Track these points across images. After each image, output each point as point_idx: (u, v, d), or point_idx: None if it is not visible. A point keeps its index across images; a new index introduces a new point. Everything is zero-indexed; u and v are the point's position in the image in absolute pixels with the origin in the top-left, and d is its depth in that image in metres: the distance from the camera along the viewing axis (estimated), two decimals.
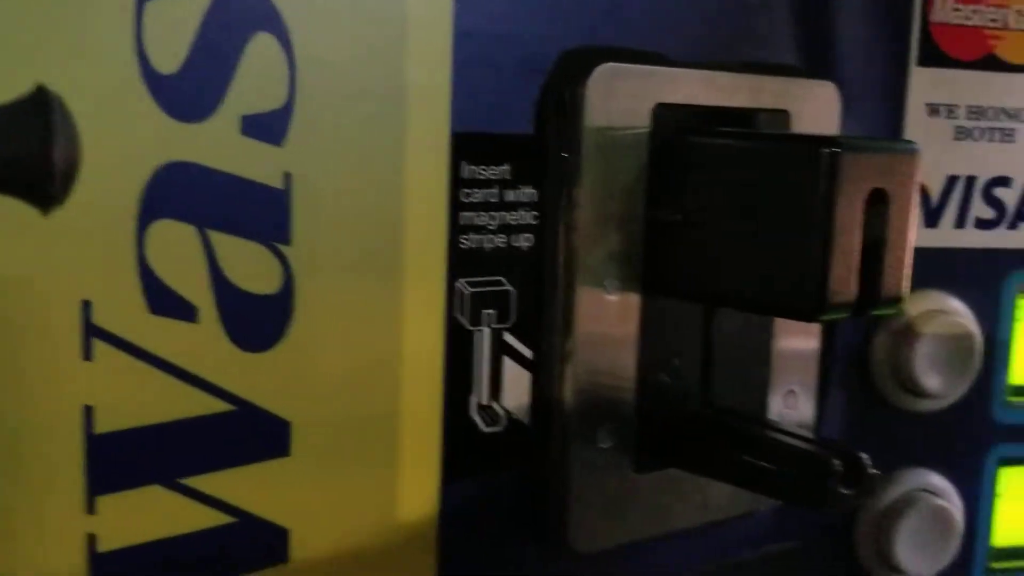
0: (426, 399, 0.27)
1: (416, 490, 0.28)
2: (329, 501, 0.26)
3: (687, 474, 0.31)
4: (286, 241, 0.25)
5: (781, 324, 0.33)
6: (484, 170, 0.28)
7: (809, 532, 0.36)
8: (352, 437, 0.26)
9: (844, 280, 0.25)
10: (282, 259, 0.25)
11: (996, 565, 0.39)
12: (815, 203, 0.25)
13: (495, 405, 0.29)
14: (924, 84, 0.36)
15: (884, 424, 0.36)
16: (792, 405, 0.34)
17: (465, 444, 0.29)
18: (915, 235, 0.27)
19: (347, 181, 0.25)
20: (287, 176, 0.25)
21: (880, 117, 0.35)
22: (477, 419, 0.29)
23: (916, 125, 0.36)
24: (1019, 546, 0.39)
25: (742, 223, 0.27)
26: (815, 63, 0.34)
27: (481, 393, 0.29)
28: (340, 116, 0.25)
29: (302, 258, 0.25)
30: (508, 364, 0.29)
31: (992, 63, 0.37)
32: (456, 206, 0.28)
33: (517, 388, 0.29)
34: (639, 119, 0.29)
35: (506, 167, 0.28)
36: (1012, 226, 0.38)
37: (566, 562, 0.31)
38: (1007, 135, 0.37)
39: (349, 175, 0.25)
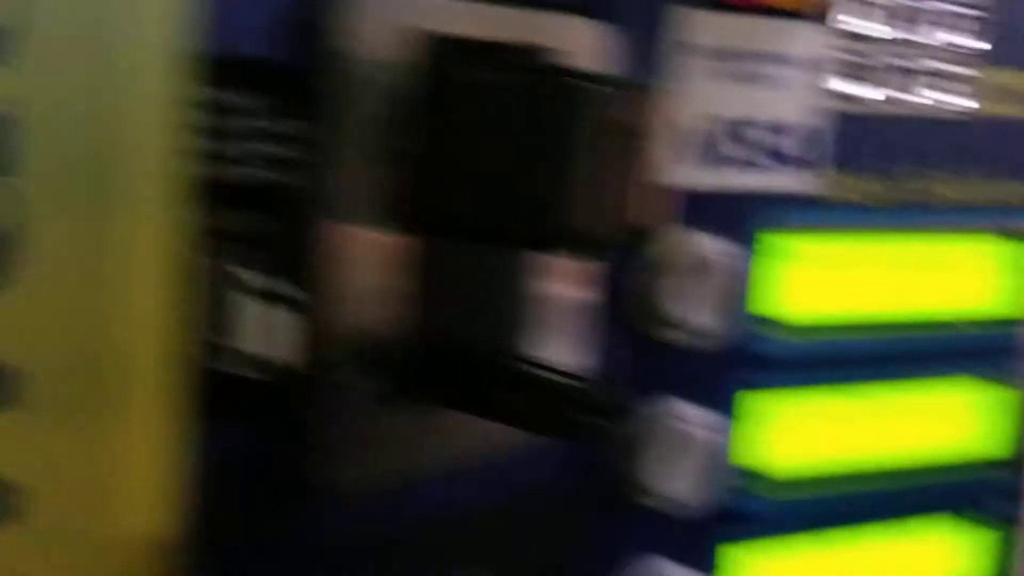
0: (169, 344, 0.26)
1: (159, 437, 0.26)
2: (64, 452, 0.25)
3: (450, 413, 0.32)
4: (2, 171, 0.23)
5: (544, 261, 0.34)
6: (239, 97, 0.27)
7: (574, 466, 0.37)
8: (88, 385, 0.25)
9: (587, 212, 0.26)
10: None
11: (744, 485, 0.42)
12: (559, 135, 0.26)
13: (250, 348, 0.28)
14: (689, 26, 0.37)
15: (639, 356, 0.38)
16: (554, 342, 0.35)
17: (220, 389, 0.28)
18: (665, 172, 0.28)
19: (75, 108, 0.24)
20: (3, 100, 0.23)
21: (645, 57, 0.36)
22: (231, 364, 0.28)
23: (680, 66, 0.37)
24: (763, 468, 0.42)
25: (493, 156, 0.27)
26: (583, 0, 0.34)
27: (234, 336, 0.28)
28: (67, 37, 0.23)
29: (22, 190, 0.23)
30: (263, 305, 0.28)
31: (757, 8, 0.38)
32: (208, 135, 0.26)
33: (274, 330, 0.29)
34: (397, 49, 0.28)
35: (263, 95, 0.27)
36: (760, 166, 0.40)
37: (327, 505, 0.30)
38: (768, 80, 0.39)
39: (77, 102, 0.24)
